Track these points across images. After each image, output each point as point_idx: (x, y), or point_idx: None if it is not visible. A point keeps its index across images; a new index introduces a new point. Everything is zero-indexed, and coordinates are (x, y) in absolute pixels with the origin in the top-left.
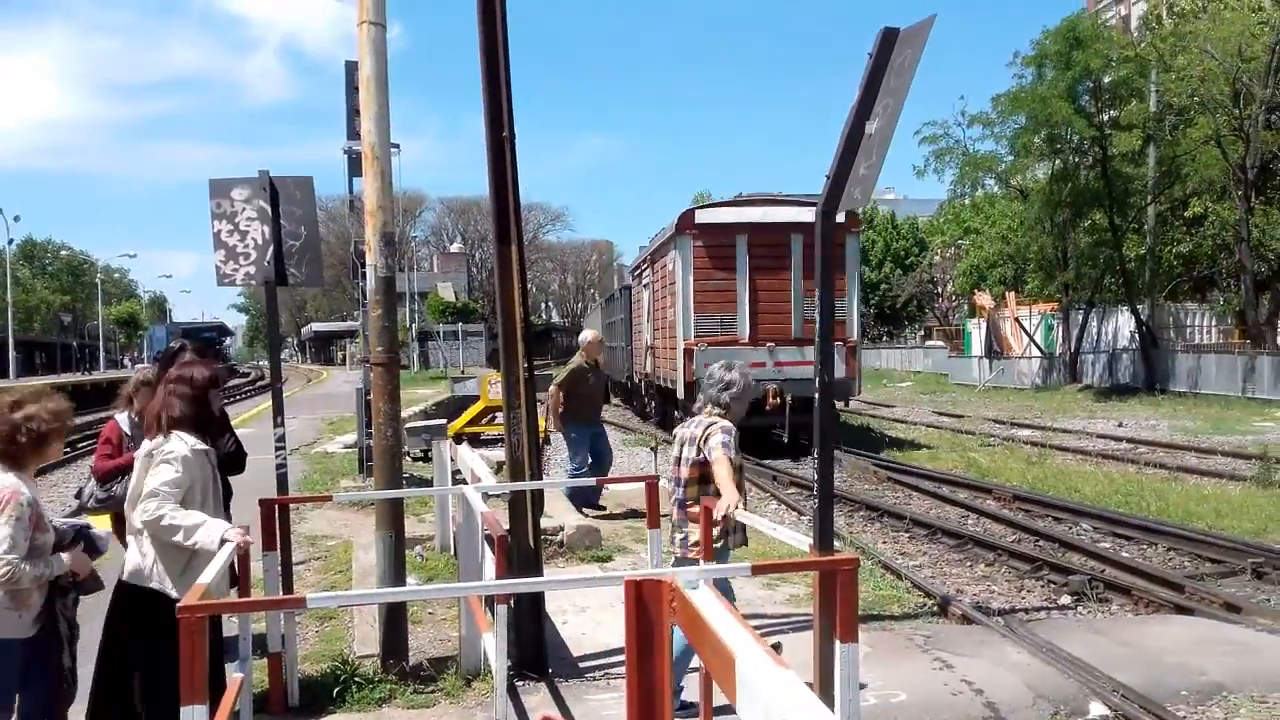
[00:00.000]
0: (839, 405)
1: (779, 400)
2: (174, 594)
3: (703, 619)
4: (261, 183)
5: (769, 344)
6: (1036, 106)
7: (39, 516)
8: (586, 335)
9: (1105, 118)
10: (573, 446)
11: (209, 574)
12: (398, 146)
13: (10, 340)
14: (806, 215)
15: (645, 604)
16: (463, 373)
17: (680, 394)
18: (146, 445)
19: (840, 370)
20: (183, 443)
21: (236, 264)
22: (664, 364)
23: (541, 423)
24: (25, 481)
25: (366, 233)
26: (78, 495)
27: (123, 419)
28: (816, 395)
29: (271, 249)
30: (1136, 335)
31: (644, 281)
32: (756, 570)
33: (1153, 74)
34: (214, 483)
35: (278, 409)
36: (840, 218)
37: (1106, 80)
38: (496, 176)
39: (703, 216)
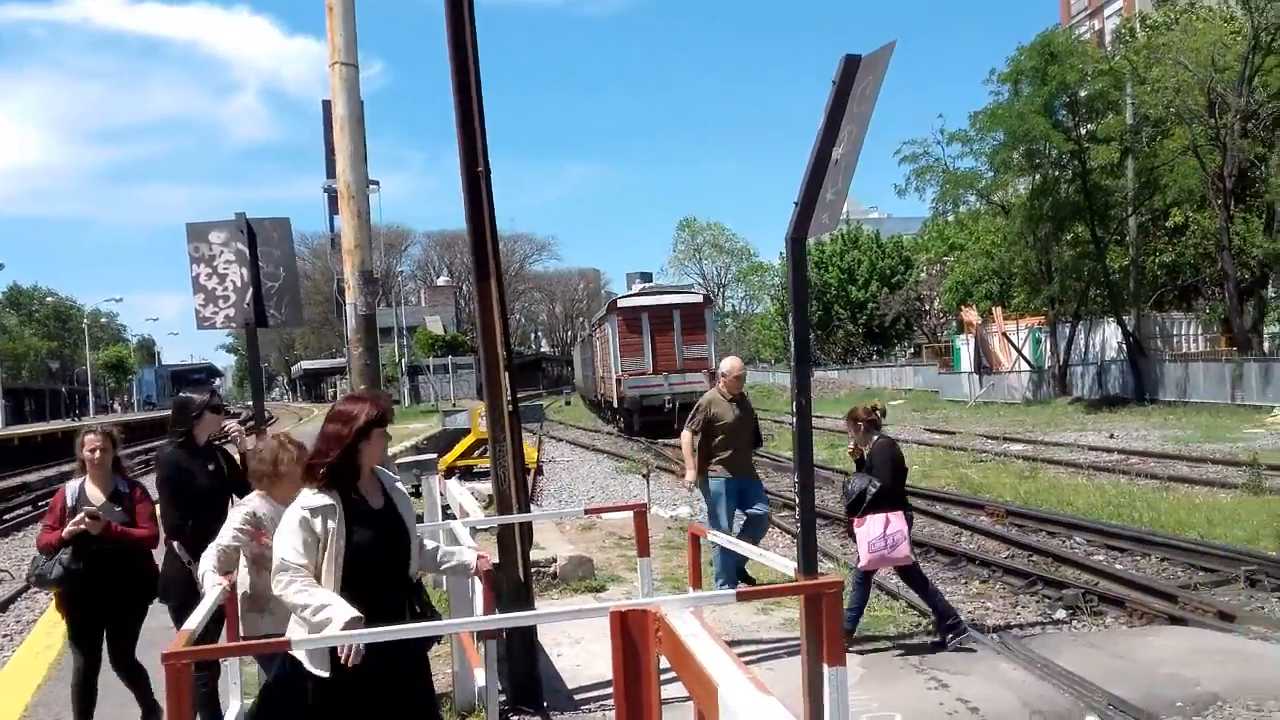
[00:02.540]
0: None
1: (672, 405)
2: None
3: (686, 648)
4: (239, 225)
5: (664, 373)
6: (1014, 122)
7: (265, 532)
8: (725, 364)
9: (1083, 131)
10: (711, 505)
11: (195, 620)
12: (377, 183)
13: None
14: (681, 299)
15: (630, 634)
16: (454, 406)
17: (615, 404)
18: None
19: (706, 386)
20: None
21: (216, 307)
22: (608, 387)
23: (532, 454)
24: (267, 501)
25: (345, 271)
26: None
27: (72, 486)
28: (794, 418)
29: (251, 291)
30: (1124, 346)
31: (595, 337)
32: (741, 596)
33: (1128, 87)
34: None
35: None
36: (699, 298)
37: (1082, 94)
38: (473, 211)
39: (622, 303)
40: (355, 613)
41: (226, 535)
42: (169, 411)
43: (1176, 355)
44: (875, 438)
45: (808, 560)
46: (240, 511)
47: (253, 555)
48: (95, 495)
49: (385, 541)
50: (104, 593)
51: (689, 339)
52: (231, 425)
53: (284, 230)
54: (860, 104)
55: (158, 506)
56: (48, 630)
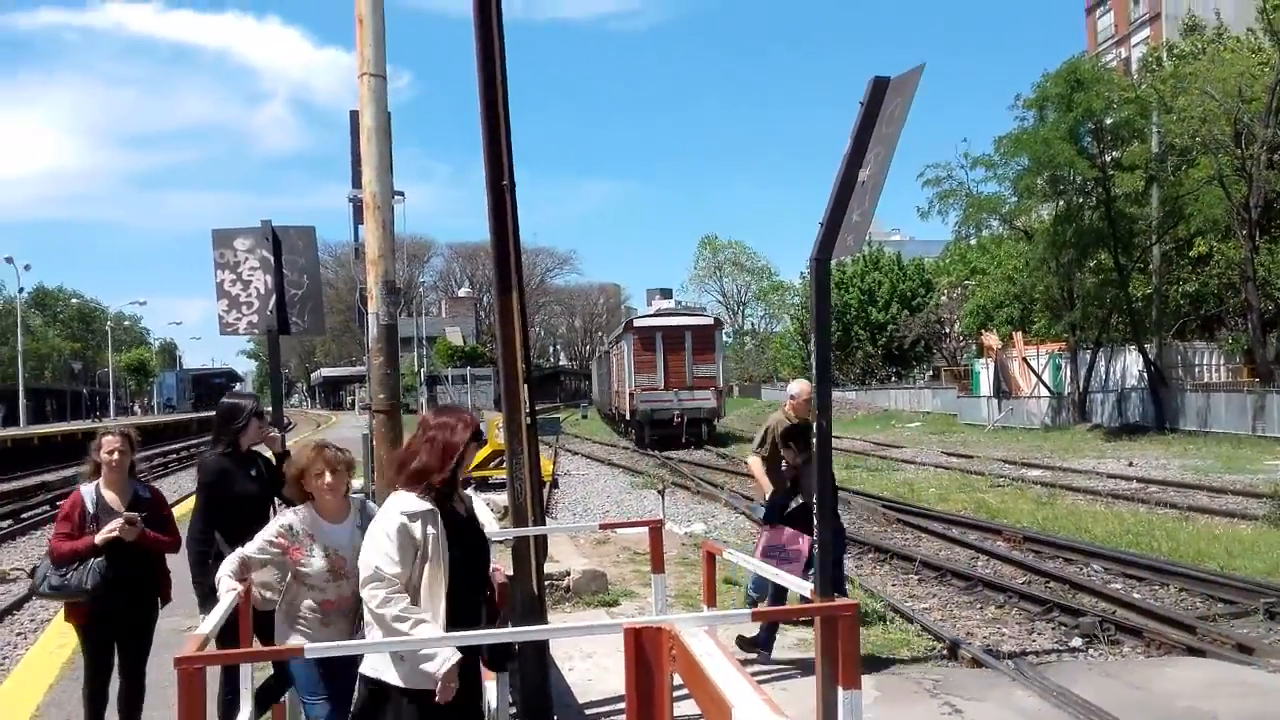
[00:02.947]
0: (714, 422)
1: (681, 419)
2: (390, 680)
3: (701, 668)
4: (264, 233)
5: (675, 389)
6: (1039, 148)
7: (298, 547)
8: (795, 387)
9: (1107, 159)
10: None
11: (208, 624)
12: (401, 194)
13: (21, 388)
14: (693, 320)
15: (645, 652)
16: None
17: (627, 417)
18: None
19: (713, 402)
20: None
21: (239, 313)
22: (621, 401)
23: (547, 466)
24: (307, 512)
25: (368, 281)
26: (31, 574)
27: (88, 491)
28: (815, 439)
29: (274, 298)
30: (1145, 374)
31: (613, 353)
32: (756, 616)
33: (1154, 115)
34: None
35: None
36: (710, 320)
37: (1108, 122)
38: (497, 225)
39: (638, 323)
40: (459, 656)
41: (254, 545)
42: (189, 415)
43: (1198, 385)
44: (802, 457)
45: (824, 582)
46: (275, 523)
47: (289, 569)
48: (113, 500)
49: (473, 551)
50: (129, 602)
51: (699, 358)
52: (272, 430)
53: (309, 239)
54: (888, 126)
55: (191, 510)
56: (62, 629)
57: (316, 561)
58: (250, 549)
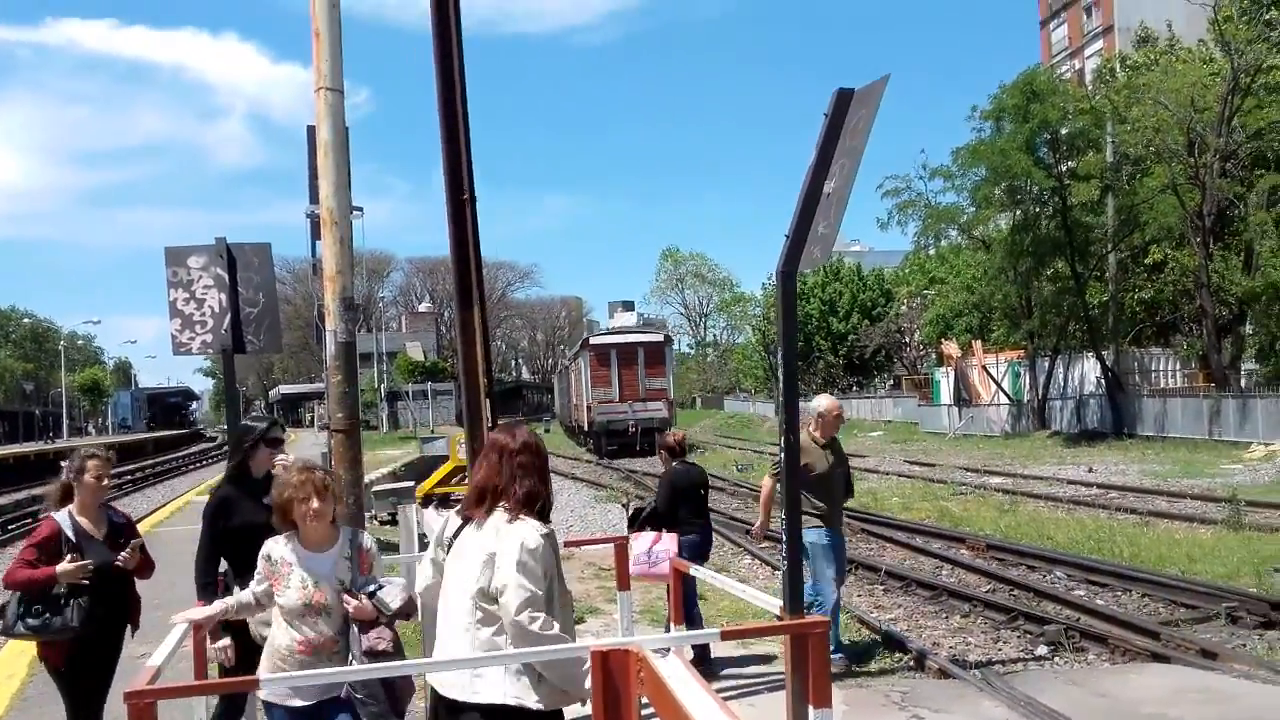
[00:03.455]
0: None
1: (635, 429)
2: (535, 705)
3: (669, 691)
4: (219, 250)
5: (629, 401)
6: (996, 159)
7: (277, 578)
8: (822, 404)
9: (1064, 169)
10: (811, 560)
11: (160, 655)
12: (360, 209)
13: None
14: (645, 338)
15: (612, 674)
16: (432, 432)
17: (585, 429)
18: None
19: (665, 413)
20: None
21: (193, 332)
22: (580, 414)
23: None
24: (288, 540)
25: (326, 298)
26: (1, 611)
27: (63, 518)
28: (781, 454)
29: (229, 316)
30: (1102, 381)
31: (572, 369)
32: (726, 635)
33: (1108, 125)
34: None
35: None
36: (660, 337)
37: (1064, 132)
38: (457, 239)
39: (594, 340)
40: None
41: (254, 580)
42: (144, 435)
43: (1155, 390)
44: (674, 464)
45: (794, 599)
46: (260, 555)
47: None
48: (89, 527)
49: None
50: (111, 637)
51: (651, 372)
52: (285, 458)
53: (264, 256)
54: (853, 138)
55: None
56: (9, 662)
57: (291, 594)
58: (254, 585)
